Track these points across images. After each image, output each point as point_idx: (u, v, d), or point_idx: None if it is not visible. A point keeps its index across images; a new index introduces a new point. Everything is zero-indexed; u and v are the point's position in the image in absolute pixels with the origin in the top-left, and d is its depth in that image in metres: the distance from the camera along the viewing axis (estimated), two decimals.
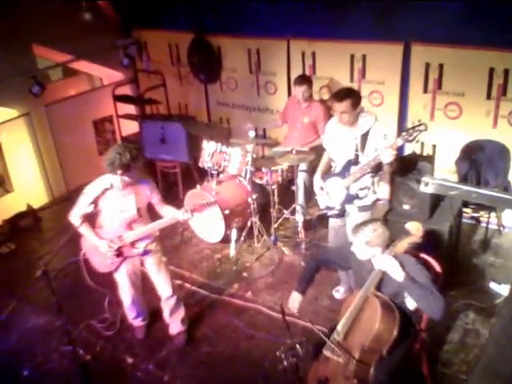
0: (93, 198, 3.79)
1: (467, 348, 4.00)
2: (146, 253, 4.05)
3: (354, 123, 3.97)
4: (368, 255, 3.23)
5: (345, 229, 4.27)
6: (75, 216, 3.84)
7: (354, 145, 4.00)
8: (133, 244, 3.96)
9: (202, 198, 5.36)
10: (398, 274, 3.09)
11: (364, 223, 3.27)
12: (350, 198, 4.11)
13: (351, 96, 3.88)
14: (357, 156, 4.00)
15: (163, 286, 4.20)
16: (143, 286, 4.32)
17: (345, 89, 4.15)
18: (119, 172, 3.71)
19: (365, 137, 3.95)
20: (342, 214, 4.23)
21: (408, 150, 5.60)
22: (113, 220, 3.90)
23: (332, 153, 4.29)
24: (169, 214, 4.03)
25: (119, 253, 3.93)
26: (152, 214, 4.13)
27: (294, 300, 3.55)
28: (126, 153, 3.63)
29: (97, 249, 3.91)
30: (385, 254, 3.16)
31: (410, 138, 3.63)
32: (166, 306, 4.27)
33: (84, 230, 3.87)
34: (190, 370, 4.08)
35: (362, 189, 4.07)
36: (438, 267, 3.51)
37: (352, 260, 3.39)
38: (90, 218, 3.90)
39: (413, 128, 3.63)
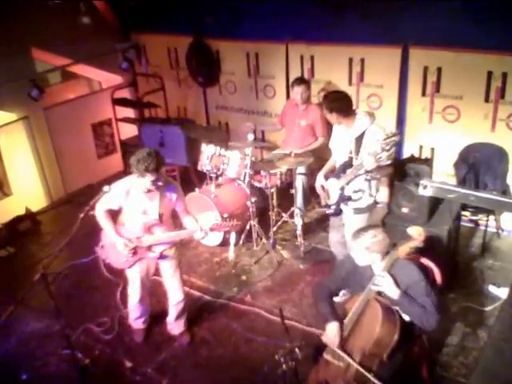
0: (114, 198, 3.82)
1: (466, 351, 4.00)
2: (162, 257, 4.05)
3: (351, 125, 4.02)
4: (367, 261, 3.22)
5: (343, 229, 4.31)
6: (99, 209, 3.86)
7: (349, 147, 4.04)
8: (149, 247, 3.96)
9: (201, 202, 5.38)
10: (392, 292, 3.10)
11: (364, 229, 3.25)
12: (343, 199, 4.16)
13: (324, 101, 4.10)
14: (351, 158, 4.04)
15: (176, 291, 4.22)
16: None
17: (327, 93, 4.23)
18: (136, 175, 3.71)
19: (360, 139, 3.98)
20: (338, 212, 4.28)
21: (406, 153, 5.61)
22: (134, 220, 3.90)
23: (333, 153, 4.37)
24: (189, 226, 4.03)
25: (134, 252, 3.93)
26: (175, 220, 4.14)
27: (333, 330, 3.17)
28: (143, 163, 3.60)
29: (114, 244, 3.93)
30: (381, 271, 3.16)
31: (387, 148, 3.65)
32: (175, 309, 4.30)
33: (104, 224, 3.90)
34: (189, 373, 4.07)
35: (356, 191, 4.10)
36: (438, 276, 3.52)
37: (351, 269, 3.38)
38: (114, 214, 3.93)
39: (388, 137, 3.65)
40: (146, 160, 3.61)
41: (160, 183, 3.76)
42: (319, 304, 3.44)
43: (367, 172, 3.92)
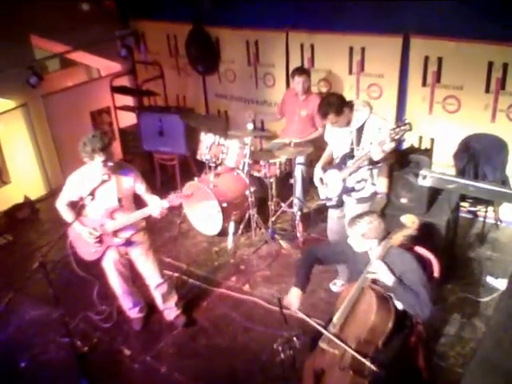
0: (72, 190, 3.86)
1: (463, 341, 4.02)
2: (130, 243, 4.04)
3: (351, 118, 3.99)
4: (364, 247, 3.24)
5: (343, 220, 4.29)
6: (60, 203, 3.93)
7: (350, 138, 4.02)
8: (115, 233, 3.95)
9: (199, 191, 5.38)
10: (387, 278, 3.11)
11: (360, 216, 3.26)
12: (346, 190, 4.14)
13: (320, 113, 4.00)
14: (352, 149, 4.01)
15: (152, 275, 4.21)
16: (138, 278, 4.31)
17: (324, 99, 4.09)
18: (86, 159, 3.72)
19: (360, 130, 3.96)
20: (340, 204, 4.26)
21: (406, 143, 5.60)
22: (95, 209, 3.89)
23: (331, 145, 4.32)
24: (153, 205, 3.94)
25: (100, 241, 3.93)
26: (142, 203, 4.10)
27: (294, 296, 3.34)
28: (90, 145, 3.63)
29: (81, 237, 3.93)
30: (376, 258, 3.16)
31: (397, 137, 3.57)
32: (158, 292, 4.29)
33: (67, 217, 3.90)
34: (187, 362, 4.09)
35: (358, 181, 4.08)
36: (436, 269, 3.50)
37: (348, 253, 3.39)
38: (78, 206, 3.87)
39: (398, 127, 3.56)
40: (91, 141, 3.63)
41: (110, 163, 3.71)
42: (298, 268, 3.55)
43: (373, 162, 3.89)
